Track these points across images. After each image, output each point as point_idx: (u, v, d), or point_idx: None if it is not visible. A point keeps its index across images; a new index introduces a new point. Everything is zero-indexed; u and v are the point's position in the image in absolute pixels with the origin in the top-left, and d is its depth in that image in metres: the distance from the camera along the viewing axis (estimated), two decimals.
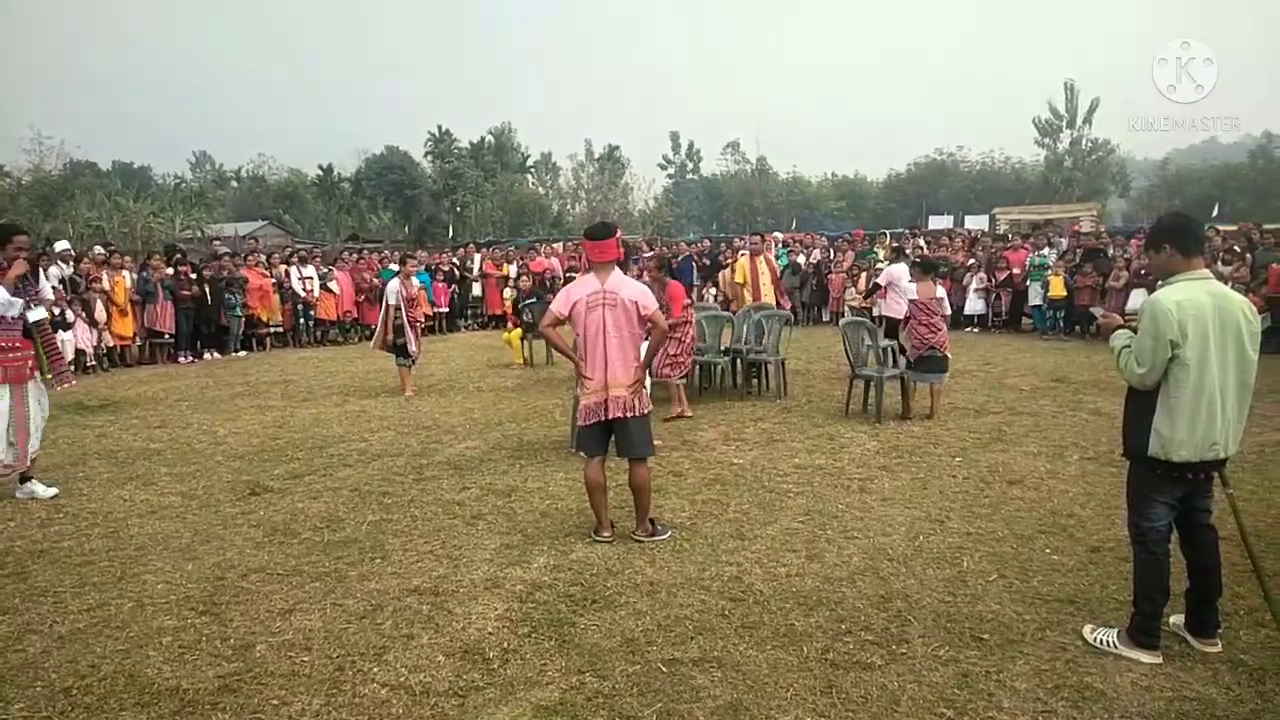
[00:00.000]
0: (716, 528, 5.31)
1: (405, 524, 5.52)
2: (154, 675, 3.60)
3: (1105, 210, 48.51)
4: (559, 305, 5.13)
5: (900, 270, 9.96)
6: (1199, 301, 3.47)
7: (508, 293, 14.50)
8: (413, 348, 10.42)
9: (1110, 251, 15.86)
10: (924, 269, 8.76)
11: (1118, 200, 59.33)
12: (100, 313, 13.25)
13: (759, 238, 12.72)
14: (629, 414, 4.95)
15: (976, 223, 34.34)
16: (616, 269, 5.11)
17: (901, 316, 9.04)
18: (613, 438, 5.11)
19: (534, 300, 13.83)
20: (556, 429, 8.24)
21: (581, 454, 5.33)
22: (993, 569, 4.60)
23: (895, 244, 17.64)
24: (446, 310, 18.72)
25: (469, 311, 19.50)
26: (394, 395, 10.40)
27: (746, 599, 4.25)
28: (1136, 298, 13.26)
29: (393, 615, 4.14)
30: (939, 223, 37.23)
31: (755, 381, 10.03)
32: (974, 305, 16.48)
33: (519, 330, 13.23)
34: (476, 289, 19.40)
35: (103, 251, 15.29)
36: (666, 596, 4.29)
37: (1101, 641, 3.73)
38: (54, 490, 6.33)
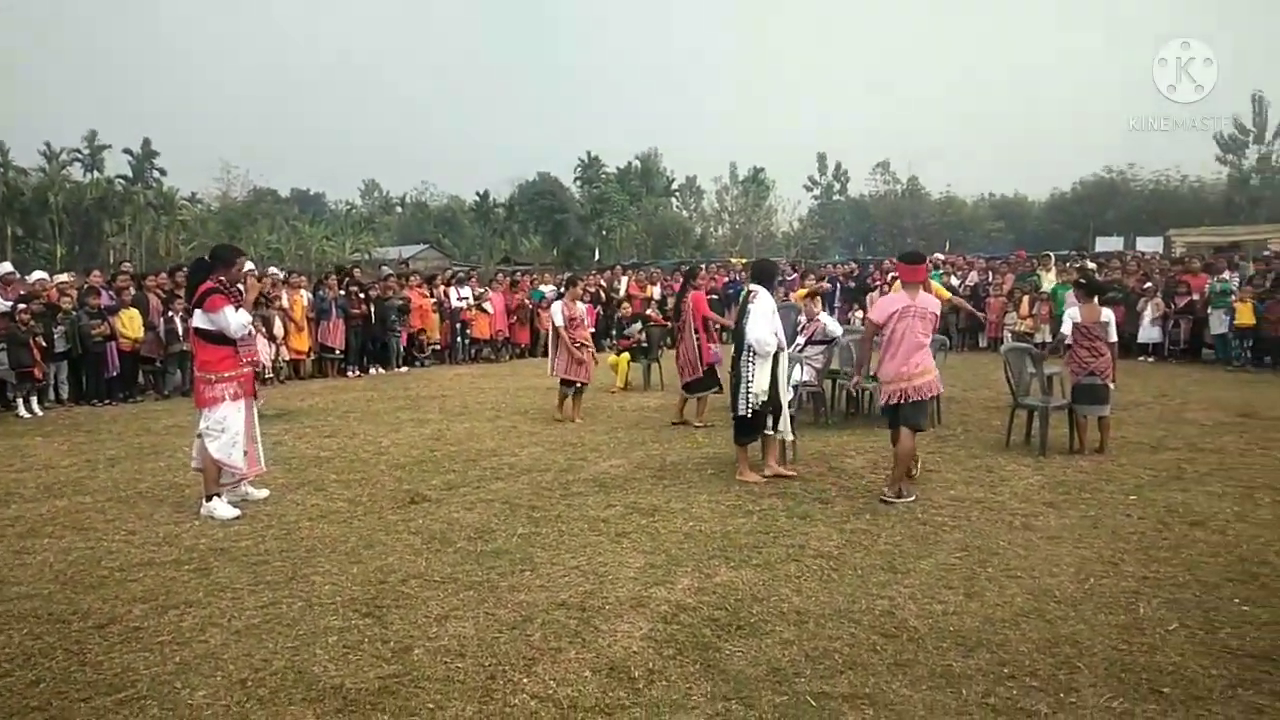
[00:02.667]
0: (866, 559, 5.14)
1: (553, 538, 5.63)
2: (320, 673, 3.80)
3: None
4: (877, 315, 6.49)
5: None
6: None
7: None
8: (558, 368, 10.08)
9: None
10: (1088, 290, 8.23)
11: None
12: (279, 328, 14.30)
13: None
14: (916, 397, 6.27)
15: (1149, 245, 32.09)
16: (922, 286, 6.57)
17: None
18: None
19: (637, 322, 14.02)
20: (699, 450, 8.23)
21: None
22: (1173, 617, 4.24)
23: (1076, 268, 16.55)
24: (594, 330, 19.17)
25: (614, 332, 19.91)
26: (542, 412, 10.66)
27: (900, 635, 4.08)
28: None
29: (541, 628, 4.23)
30: (1108, 244, 35.11)
31: None
32: (1149, 333, 15.37)
33: (626, 355, 13.22)
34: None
35: (277, 271, 16.56)
36: (814, 627, 4.18)
37: None
38: (236, 512, 6.25)
